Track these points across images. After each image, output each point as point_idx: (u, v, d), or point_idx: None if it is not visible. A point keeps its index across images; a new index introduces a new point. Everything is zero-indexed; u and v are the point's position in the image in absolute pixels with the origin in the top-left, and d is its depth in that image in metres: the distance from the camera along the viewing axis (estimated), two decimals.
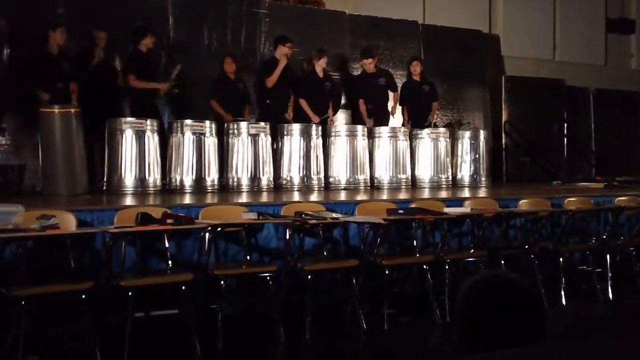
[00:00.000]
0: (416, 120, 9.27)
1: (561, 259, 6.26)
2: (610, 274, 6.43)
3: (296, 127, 8.09)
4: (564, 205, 6.84)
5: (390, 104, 9.28)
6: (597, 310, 6.22)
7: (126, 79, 7.79)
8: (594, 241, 6.71)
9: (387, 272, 5.36)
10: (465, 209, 6.16)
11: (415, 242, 5.94)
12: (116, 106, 7.86)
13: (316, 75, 8.77)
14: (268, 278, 4.94)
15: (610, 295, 6.35)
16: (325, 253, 5.60)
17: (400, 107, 9.43)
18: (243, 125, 7.80)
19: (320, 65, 8.73)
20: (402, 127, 8.88)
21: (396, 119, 9.43)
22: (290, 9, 10.33)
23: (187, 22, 9.15)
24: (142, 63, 7.88)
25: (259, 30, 9.58)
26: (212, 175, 7.57)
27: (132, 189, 7.10)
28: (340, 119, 9.72)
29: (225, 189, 7.66)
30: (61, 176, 6.78)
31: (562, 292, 6.12)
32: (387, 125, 9.02)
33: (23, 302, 4.08)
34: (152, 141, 7.28)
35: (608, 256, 6.50)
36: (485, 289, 1.80)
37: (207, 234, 4.96)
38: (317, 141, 8.12)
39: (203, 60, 9.02)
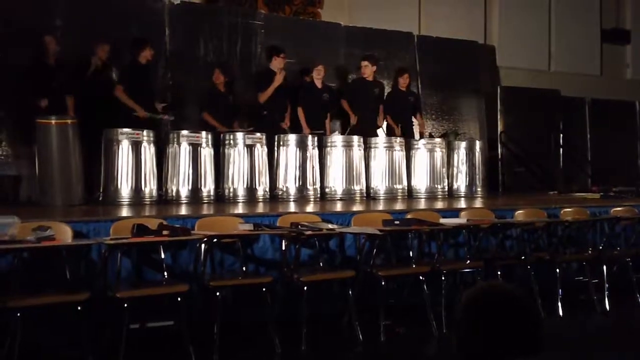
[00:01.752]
0: (402, 131, 9.22)
1: (558, 270, 6.26)
2: (607, 285, 6.43)
3: (292, 138, 8.09)
4: (560, 216, 6.85)
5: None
6: (594, 321, 6.21)
7: (115, 88, 7.70)
8: (590, 252, 6.69)
9: (383, 282, 5.35)
10: (462, 219, 6.17)
11: (411, 253, 5.94)
12: (113, 117, 7.80)
13: (314, 86, 8.79)
14: (264, 289, 4.93)
15: (607, 306, 6.34)
16: (321, 264, 5.59)
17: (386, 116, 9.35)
18: (239, 135, 7.79)
19: (318, 78, 8.74)
20: (398, 138, 8.86)
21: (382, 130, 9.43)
22: (285, 20, 10.38)
23: (183, 34, 9.17)
24: (138, 75, 7.77)
25: (255, 42, 9.61)
26: (208, 186, 7.55)
27: (128, 200, 7.07)
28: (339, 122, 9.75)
29: (221, 199, 7.64)
30: (57, 187, 6.75)
31: (559, 303, 6.12)
32: (377, 135, 9.01)
33: (19, 314, 4.07)
34: (149, 152, 7.26)
35: (605, 267, 6.51)
36: (482, 301, 1.81)
37: (203, 245, 4.95)
38: (313, 152, 8.11)
39: (199, 72, 9.03)
